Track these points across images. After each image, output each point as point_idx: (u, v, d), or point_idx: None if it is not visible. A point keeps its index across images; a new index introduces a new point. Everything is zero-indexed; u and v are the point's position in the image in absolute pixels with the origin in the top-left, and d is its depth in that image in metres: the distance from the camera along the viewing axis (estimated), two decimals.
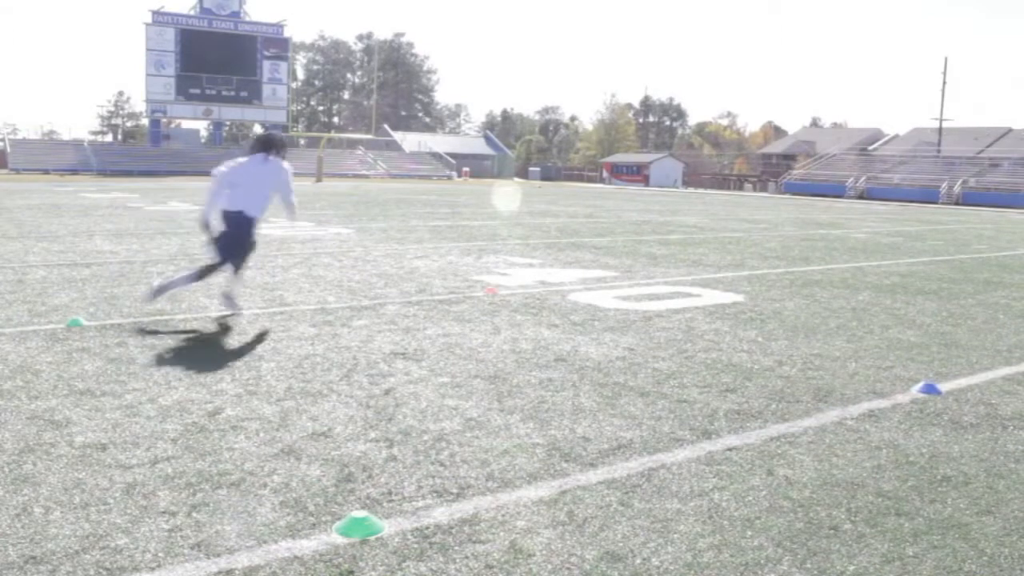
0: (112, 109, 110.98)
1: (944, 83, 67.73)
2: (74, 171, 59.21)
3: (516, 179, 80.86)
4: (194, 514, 3.53)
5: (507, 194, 40.23)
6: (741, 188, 73.66)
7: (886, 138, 77.40)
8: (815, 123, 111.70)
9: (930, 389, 5.80)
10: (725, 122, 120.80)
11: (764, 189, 69.99)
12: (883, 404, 5.49)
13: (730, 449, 4.52)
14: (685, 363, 6.41)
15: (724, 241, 17.73)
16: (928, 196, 55.31)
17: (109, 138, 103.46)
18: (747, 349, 6.96)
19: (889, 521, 3.65)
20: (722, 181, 78.35)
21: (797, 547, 3.38)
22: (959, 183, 56.27)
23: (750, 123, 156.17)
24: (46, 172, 57.59)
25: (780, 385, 5.86)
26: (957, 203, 53.69)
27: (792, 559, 3.28)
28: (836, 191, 60.73)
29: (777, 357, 6.70)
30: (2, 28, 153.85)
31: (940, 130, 68.12)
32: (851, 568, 3.23)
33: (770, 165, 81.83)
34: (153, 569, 3.07)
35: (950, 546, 3.43)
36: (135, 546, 3.23)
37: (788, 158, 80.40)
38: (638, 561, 3.24)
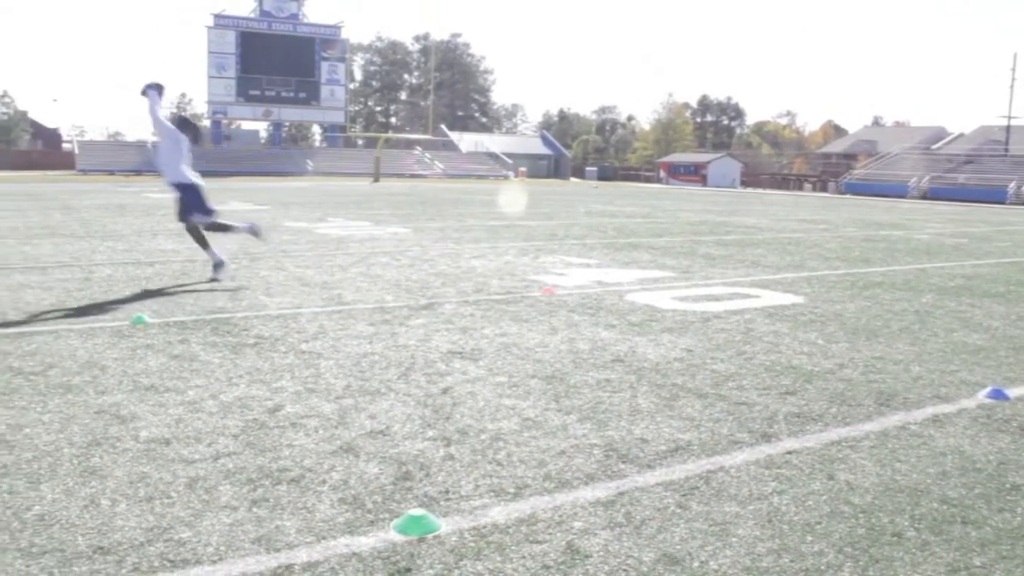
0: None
1: (1013, 80, 66.13)
2: (138, 172, 60.46)
3: (573, 179, 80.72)
4: (255, 509, 3.58)
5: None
6: (800, 188, 72.65)
7: (950, 137, 75.82)
8: (876, 122, 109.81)
9: (998, 394, 5.65)
10: (784, 121, 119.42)
11: (824, 189, 68.98)
12: (948, 409, 5.37)
13: (790, 452, 4.46)
14: (744, 365, 6.34)
15: (783, 242, 17.52)
16: (995, 196, 54.03)
17: None
18: (807, 351, 6.86)
19: (955, 529, 3.57)
20: (781, 181, 77.35)
21: (859, 554, 3.33)
22: None
23: (809, 122, 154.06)
24: (111, 173, 58.92)
25: (841, 388, 5.76)
26: None
27: (854, 566, 3.23)
28: (898, 191, 59.64)
29: (838, 360, 6.59)
30: (70, 34, 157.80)
31: (1008, 128, 66.46)
32: None
33: (830, 165, 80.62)
34: (215, 562, 3.12)
35: (1020, 556, 3.34)
36: (198, 539, 3.29)
37: (848, 157, 79.20)
38: (696, 564, 3.21)
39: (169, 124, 10.16)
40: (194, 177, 10.19)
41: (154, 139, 10.18)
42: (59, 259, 11.54)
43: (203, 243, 10.26)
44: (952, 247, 17.54)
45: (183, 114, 10.19)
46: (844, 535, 3.48)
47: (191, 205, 10.10)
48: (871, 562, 3.26)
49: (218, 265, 10.10)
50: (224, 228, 10.54)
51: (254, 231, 10.84)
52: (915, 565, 3.25)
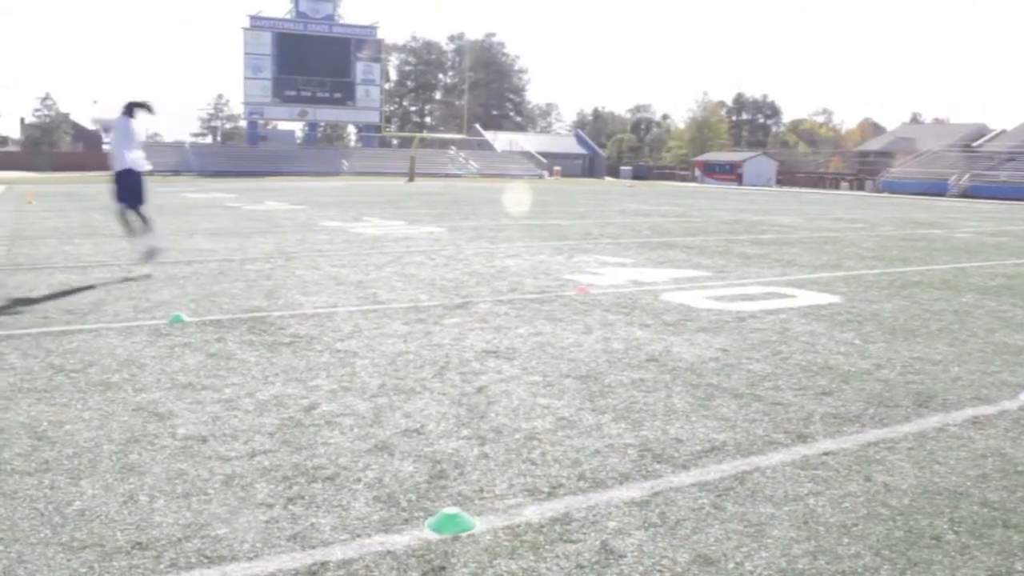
0: (212, 112, 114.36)
1: None
2: (175, 172, 61.17)
3: (607, 178, 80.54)
4: (290, 507, 3.60)
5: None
6: (837, 187, 71.90)
7: (992, 134, 74.56)
8: (915, 119, 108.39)
9: None
10: (820, 119, 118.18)
11: (861, 188, 68.21)
12: (989, 410, 5.29)
13: (826, 454, 4.42)
14: (780, 365, 6.29)
15: (819, 241, 17.35)
16: None
17: (208, 140, 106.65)
18: (844, 351, 6.79)
19: (996, 533, 3.52)
20: (817, 180, 76.59)
21: (896, 556, 3.29)
22: None
23: (846, 120, 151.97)
24: (150, 173, 59.45)
25: (878, 389, 5.70)
26: None
27: (891, 569, 3.19)
28: (937, 189, 58.85)
29: (875, 360, 6.52)
30: (110, 36, 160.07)
31: None
32: None
33: (867, 163, 79.67)
34: (251, 559, 3.15)
35: None
36: (234, 536, 3.32)
37: (886, 155, 78.19)
38: (731, 566, 3.19)
39: (115, 117, 10.54)
40: (142, 165, 10.58)
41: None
42: (99, 258, 11.70)
43: (136, 230, 10.66)
44: (993, 246, 17.28)
45: (130, 99, 10.46)
46: (881, 537, 3.45)
47: (128, 191, 10.49)
48: (909, 565, 3.22)
49: (150, 253, 10.66)
50: (144, 222, 10.72)
51: (150, 253, 10.78)
52: (954, 569, 3.20)
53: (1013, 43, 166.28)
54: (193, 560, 3.13)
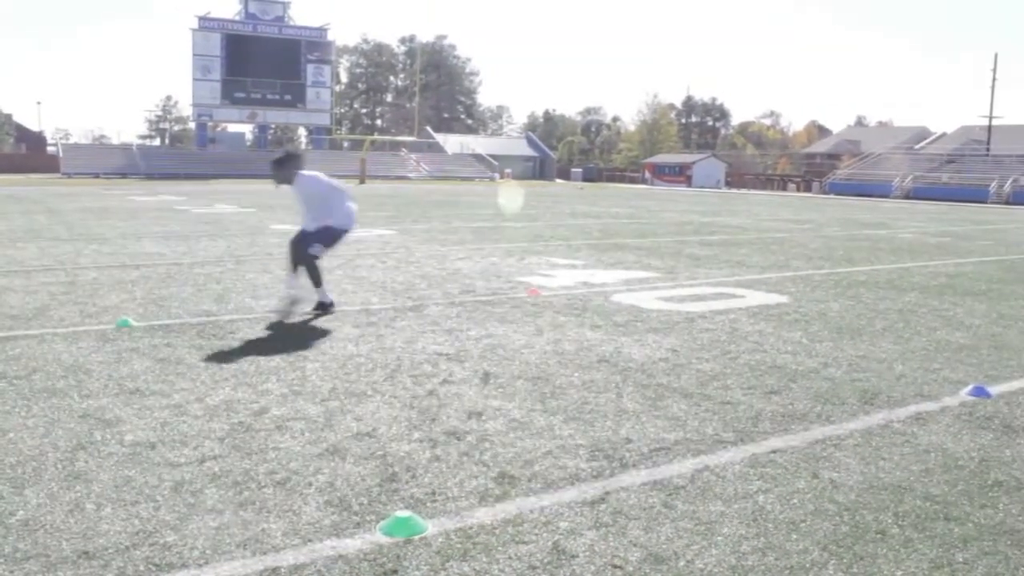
0: (160, 114, 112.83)
1: (994, 80, 66.61)
2: (123, 174, 60.25)
3: (558, 180, 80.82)
4: (241, 512, 3.57)
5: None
6: (784, 188, 72.84)
7: (933, 136, 76.15)
8: (860, 122, 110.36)
9: (980, 392, 5.70)
10: (768, 122, 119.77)
11: (808, 189, 69.18)
12: (931, 407, 5.41)
13: (774, 451, 4.48)
14: (729, 364, 6.36)
15: (767, 242, 17.58)
16: (977, 195, 54.30)
17: (157, 142, 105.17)
18: (791, 351, 6.89)
19: (938, 526, 3.60)
20: (765, 181, 77.52)
21: (843, 551, 3.35)
22: (1009, 182, 55.16)
23: (793, 122, 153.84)
24: (96, 176, 58.59)
25: (825, 387, 5.79)
26: (1007, 203, 52.61)
27: (838, 563, 3.25)
28: (882, 191, 59.88)
29: (822, 359, 6.63)
30: (51, 36, 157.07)
31: (989, 128, 66.83)
32: (898, 573, 3.19)
33: (814, 165, 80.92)
34: (201, 566, 3.12)
35: (1002, 552, 3.38)
36: (183, 543, 3.29)
37: (832, 158, 79.51)
38: (681, 563, 3.22)
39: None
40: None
41: None
42: (43, 262, 11.48)
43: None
44: (935, 246, 17.64)
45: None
46: (828, 533, 3.51)
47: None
48: (855, 559, 3.28)
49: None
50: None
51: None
52: (899, 562, 3.27)
53: (952, 48, 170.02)
54: (142, 568, 3.09)
